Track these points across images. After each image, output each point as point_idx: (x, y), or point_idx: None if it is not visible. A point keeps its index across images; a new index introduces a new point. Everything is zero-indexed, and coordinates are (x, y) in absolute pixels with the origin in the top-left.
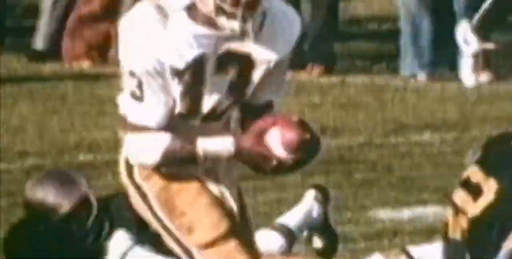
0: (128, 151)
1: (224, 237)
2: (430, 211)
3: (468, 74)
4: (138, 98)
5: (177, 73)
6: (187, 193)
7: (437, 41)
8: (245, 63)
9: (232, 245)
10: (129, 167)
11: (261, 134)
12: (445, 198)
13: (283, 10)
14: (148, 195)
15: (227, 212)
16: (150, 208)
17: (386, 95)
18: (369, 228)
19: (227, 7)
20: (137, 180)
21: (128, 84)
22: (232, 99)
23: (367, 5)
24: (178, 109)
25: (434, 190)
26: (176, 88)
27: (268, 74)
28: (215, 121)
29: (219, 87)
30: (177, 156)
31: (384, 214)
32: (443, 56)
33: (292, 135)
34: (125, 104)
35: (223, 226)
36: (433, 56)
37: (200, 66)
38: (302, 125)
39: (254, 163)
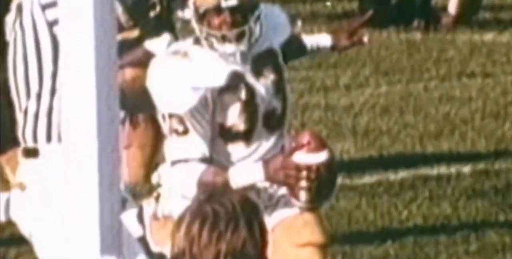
0: (170, 184)
1: None
2: None
3: None
4: (181, 133)
5: (222, 91)
6: None
7: None
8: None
9: None
10: None
11: (288, 156)
12: None
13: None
14: None
15: None
16: None
17: None
18: None
19: (214, 32)
20: None
21: (166, 124)
22: (282, 100)
23: None
24: (235, 128)
25: None
26: (231, 110)
27: None
28: (274, 131)
29: (267, 90)
30: (210, 186)
31: None
32: None
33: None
34: (168, 145)
35: None
36: None
37: (241, 80)
38: (321, 140)
39: (286, 185)
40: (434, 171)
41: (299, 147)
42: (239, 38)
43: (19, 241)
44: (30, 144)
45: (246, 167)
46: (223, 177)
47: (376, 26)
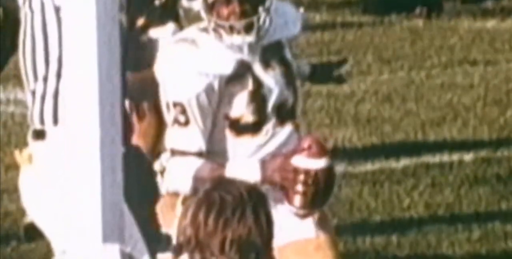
0: (166, 180)
1: None
2: None
3: None
4: (182, 124)
5: (229, 81)
6: None
7: None
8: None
9: None
10: None
11: (287, 159)
12: None
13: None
14: None
15: None
16: None
17: None
18: None
19: (223, 22)
20: None
21: (169, 114)
22: (293, 92)
23: None
24: (244, 120)
25: None
26: (238, 101)
27: None
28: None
29: (276, 82)
30: (206, 182)
31: None
32: None
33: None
34: (168, 135)
35: None
36: None
37: (248, 70)
38: (323, 146)
39: (281, 188)
40: (436, 158)
41: (299, 150)
42: (248, 29)
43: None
44: (37, 126)
45: (243, 165)
46: (219, 173)
47: (378, 13)
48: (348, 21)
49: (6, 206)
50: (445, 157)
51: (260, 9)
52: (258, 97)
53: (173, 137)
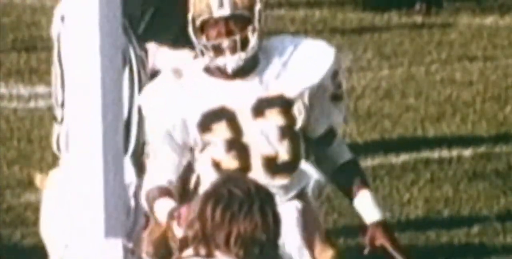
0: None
1: None
2: None
3: None
4: (152, 158)
5: (203, 126)
6: None
7: None
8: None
9: None
10: None
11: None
12: None
13: (295, 44)
14: None
15: None
16: None
17: None
18: None
19: (209, 42)
20: None
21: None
22: (291, 146)
23: None
24: (225, 165)
25: None
26: (216, 146)
27: (311, 105)
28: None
29: (262, 133)
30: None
31: None
32: None
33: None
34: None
35: None
36: None
37: (231, 116)
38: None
39: None
40: (435, 154)
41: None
42: (233, 49)
43: (24, 223)
44: (56, 152)
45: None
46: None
47: (378, 9)
48: (348, 17)
49: (9, 201)
50: (444, 153)
51: (249, 28)
52: (237, 145)
53: (147, 169)
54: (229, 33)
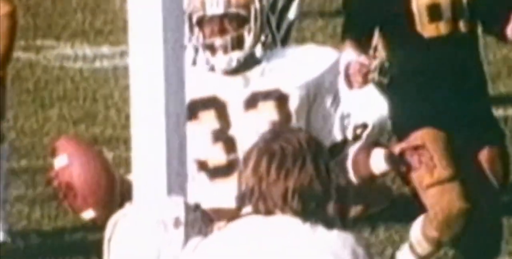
0: None
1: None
2: None
3: None
4: None
5: (190, 112)
6: None
7: None
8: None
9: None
10: None
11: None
12: None
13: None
14: None
15: None
16: None
17: None
18: None
19: (202, 41)
20: None
21: None
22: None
23: None
24: (213, 163)
25: None
26: (202, 142)
27: (311, 106)
28: None
29: (254, 127)
30: None
31: None
32: None
33: None
34: None
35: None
36: None
37: (221, 106)
38: None
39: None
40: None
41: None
42: (226, 48)
43: None
44: None
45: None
46: None
47: None
48: None
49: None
50: (500, 111)
51: (245, 27)
52: (224, 136)
53: None
54: (222, 32)
